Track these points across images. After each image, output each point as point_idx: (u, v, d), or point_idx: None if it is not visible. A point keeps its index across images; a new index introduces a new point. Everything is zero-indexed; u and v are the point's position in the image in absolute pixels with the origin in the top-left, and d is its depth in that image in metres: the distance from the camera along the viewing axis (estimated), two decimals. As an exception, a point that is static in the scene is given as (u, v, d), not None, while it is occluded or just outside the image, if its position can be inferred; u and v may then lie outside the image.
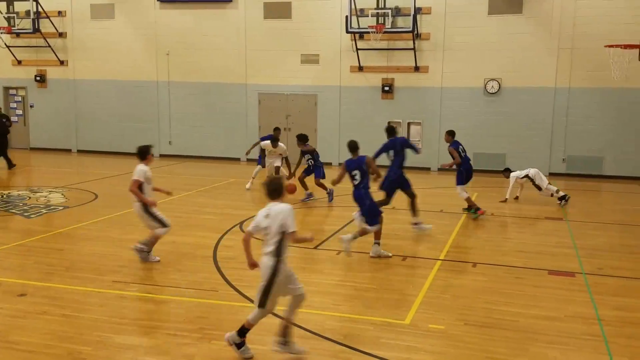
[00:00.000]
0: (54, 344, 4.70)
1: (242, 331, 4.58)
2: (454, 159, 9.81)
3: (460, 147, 9.95)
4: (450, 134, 10.05)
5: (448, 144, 9.98)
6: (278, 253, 4.46)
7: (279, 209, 4.50)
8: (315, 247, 7.93)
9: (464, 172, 9.90)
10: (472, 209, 9.97)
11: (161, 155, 18.28)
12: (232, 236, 8.41)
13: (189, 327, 5.11)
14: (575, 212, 10.75)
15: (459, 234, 8.88)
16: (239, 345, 4.59)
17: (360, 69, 16.59)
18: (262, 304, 4.50)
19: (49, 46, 18.58)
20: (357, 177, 7.41)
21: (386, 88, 16.46)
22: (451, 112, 16.17)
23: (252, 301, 5.73)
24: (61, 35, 18.70)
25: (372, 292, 6.17)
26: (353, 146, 7.61)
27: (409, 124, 16.61)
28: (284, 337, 4.60)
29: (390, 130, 8.83)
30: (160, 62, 18.10)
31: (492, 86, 15.86)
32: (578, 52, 15.09)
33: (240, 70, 17.53)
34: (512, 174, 11.54)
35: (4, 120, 15.37)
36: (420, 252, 7.93)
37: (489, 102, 15.98)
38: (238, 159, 17.56)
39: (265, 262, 4.48)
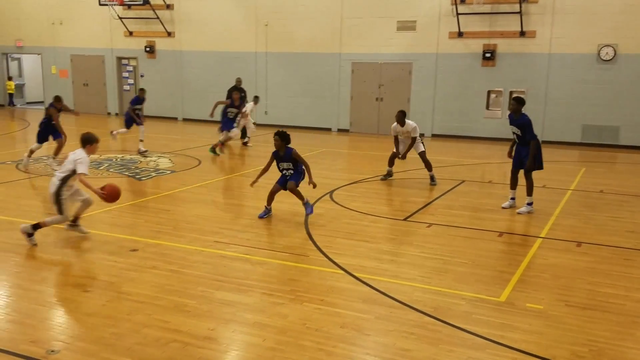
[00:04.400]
0: (162, 296, 5.13)
1: (36, 226, 6.26)
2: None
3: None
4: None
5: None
6: (65, 179, 6.27)
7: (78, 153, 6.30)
8: (405, 219, 7.87)
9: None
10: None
11: (257, 125, 18.90)
12: (322, 204, 8.57)
13: (282, 288, 5.34)
14: (701, 192, 9.67)
15: (563, 211, 8.36)
16: (30, 235, 6.24)
17: (460, 34, 15.85)
18: (61, 211, 6.31)
19: (158, 18, 19.70)
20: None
21: (487, 55, 15.62)
22: (559, 80, 15.06)
23: (341, 267, 5.87)
24: (168, 7, 19.72)
25: (463, 267, 6.03)
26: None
27: (510, 92, 15.69)
28: (74, 221, 6.63)
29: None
30: (260, 33, 18.52)
31: (607, 53, 14.49)
32: None
33: (335, 39, 17.47)
34: (247, 105, 13.92)
35: (243, 94, 14.53)
36: (519, 228, 7.58)
37: (602, 70, 14.64)
38: (329, 129, 17.69)
39: (54, 181, 6.30)
